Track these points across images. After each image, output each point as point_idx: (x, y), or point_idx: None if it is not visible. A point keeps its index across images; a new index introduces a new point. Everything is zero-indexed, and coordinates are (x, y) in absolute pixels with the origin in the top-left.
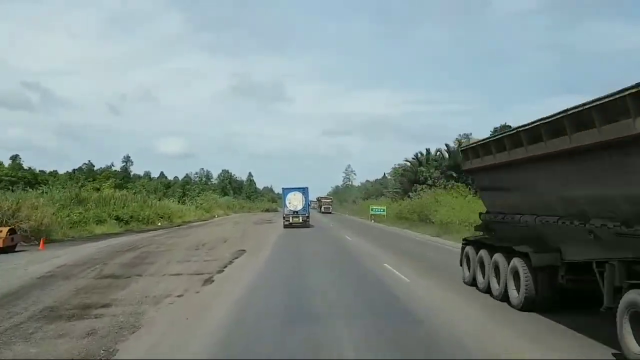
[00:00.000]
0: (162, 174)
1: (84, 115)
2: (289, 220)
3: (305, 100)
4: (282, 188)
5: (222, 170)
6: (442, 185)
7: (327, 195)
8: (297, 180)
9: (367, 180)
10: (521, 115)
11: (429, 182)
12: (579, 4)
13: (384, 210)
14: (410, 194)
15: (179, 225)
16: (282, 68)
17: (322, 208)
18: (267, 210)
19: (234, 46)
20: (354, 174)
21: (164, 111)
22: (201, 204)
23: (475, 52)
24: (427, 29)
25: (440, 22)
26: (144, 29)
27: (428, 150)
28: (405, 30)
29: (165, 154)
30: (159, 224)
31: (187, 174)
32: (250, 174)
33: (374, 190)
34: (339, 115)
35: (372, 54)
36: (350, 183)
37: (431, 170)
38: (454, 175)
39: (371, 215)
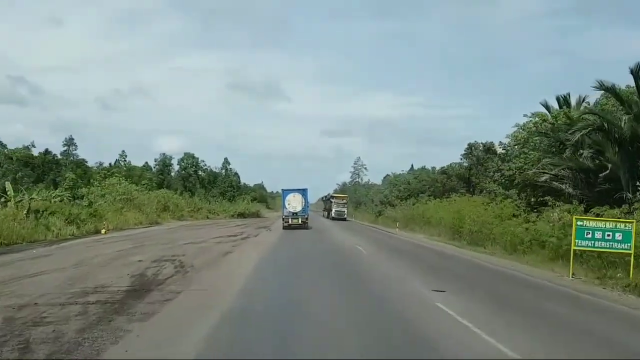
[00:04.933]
0: (127, 161)
1: (76, 111)
2: (288, 222)
3: (305, 100)
4: (282, 189)
5: (185, 154)
6: None
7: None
8: (295, 181)
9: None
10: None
11: None
12: (586, 8)
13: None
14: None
15: None
16: (281, 67)
17: (334, 212)
18: (242, 216)
19: (233, 45)
20: (365, 169)
21: (160, 109)
22: (89, 202)
23: (480, 55)
24: (430, 30)
25: (444, 22)
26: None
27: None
28: (409, 31)
29: (160, 152)
30: None
31: (146, 162)
32: (226, 161)
33: (422, 185)
34: (339, 116)
35: (373, 56)
36: (360, 180)
37: None
38: None
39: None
